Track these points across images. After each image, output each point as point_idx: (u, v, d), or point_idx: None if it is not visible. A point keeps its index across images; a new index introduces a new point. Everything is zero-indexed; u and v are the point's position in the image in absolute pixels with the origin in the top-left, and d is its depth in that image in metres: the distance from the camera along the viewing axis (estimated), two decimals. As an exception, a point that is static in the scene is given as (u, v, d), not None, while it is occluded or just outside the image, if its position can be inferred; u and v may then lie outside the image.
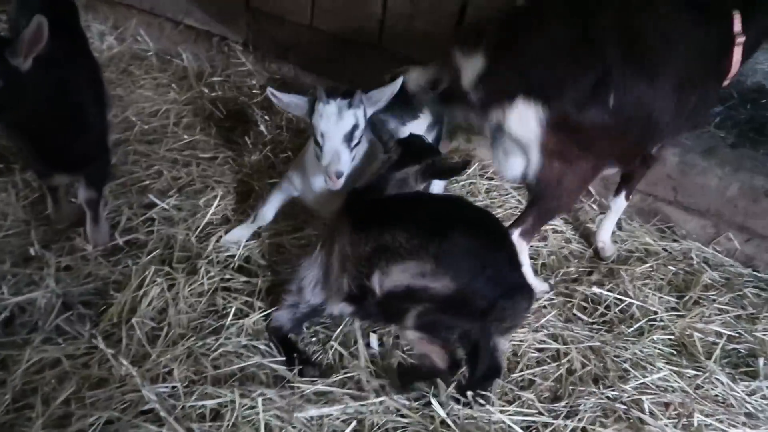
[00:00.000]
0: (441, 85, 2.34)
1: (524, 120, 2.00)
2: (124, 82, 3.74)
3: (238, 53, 3.94)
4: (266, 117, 3.51)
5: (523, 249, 2.40)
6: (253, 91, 3.75)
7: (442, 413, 1.88)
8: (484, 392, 1.95)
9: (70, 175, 2.42)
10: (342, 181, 2.06)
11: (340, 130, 2.04)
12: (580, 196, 2.77)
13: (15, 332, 2.09)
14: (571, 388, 2.15)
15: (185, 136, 3.25)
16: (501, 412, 1.97)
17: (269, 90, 2.11)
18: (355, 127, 2.07)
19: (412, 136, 2.18)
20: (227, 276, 2.40)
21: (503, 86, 2.00)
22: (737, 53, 2.26)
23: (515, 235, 2.34)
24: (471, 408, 1.92)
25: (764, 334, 2.49)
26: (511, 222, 2.44)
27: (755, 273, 2.85)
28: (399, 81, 2.20)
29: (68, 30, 2.55)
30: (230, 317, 2.19)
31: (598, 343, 2.34)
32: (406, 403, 1.95)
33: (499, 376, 2.00)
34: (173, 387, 1.90)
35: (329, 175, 2.04)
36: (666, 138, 2.48)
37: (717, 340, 2.45)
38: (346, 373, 2.03)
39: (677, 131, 2.51)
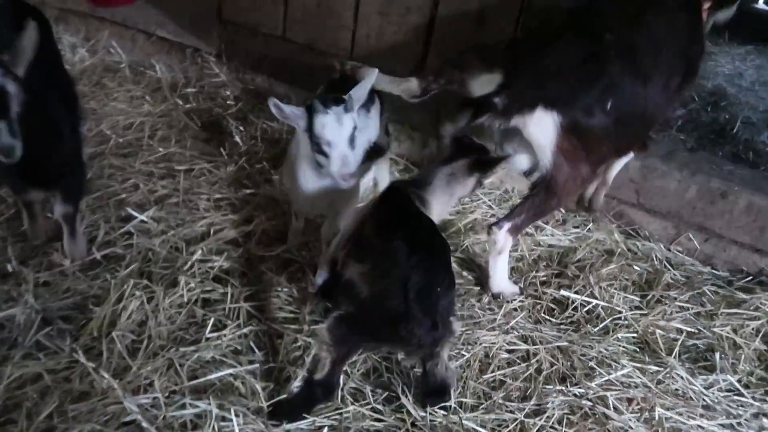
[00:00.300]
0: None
1: (543, 126, 2.28)
2: (97, 95, 3.75)
3: (212, 64, 3.98)
4: (241, 128, 3.57)
5: (506, 246, 2.56)
6: (228, 102, 3.80)
7: (416, 414, 1.97)
8: (440, 404, 2.05)
9: (45, 191, 2.45)
10: (353, 180, 2.17)
11: (343, 136, 2.11)
12: (576, 196, 3.01)
13: (-5, 349, 2.12)
14: (539, 387, 2.24)
15: (160, 149, 3.28)
16: (471, 410, 2.07)
17: (272, 101, 2.14)
18: (355, 128, 2.15)
19: (461, 135, 2.28)
20: (207, 288, 2.45)
21: (525, 97, 2.26)
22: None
23: (503, 231, 2.50)
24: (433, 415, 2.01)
25: (722, 330, 2.63)
26: (501, 217, 2.59)
27: (714, 271, 2.99)
28: (374, 75, 2.31)
29: (41, 44, 2.58)
30: (209, 328, 2.24)
31: (566, 343, 2.44)
32: (380, 407, 2.03)
33: (446, 393, 2.06)
34: (154, 398, 1.95)
35: (341, 178, 2.13)
36: (660, 122, 2.85)
37: (677, 337, 2.57)
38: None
39: (667, 113, 2.91)
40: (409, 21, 3.25)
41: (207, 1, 3.82)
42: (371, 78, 2.28)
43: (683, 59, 2.59)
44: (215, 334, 2.23)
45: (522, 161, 2.52)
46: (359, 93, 2.21)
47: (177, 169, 3.15)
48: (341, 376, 2.01)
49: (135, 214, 2.76)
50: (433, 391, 2.04)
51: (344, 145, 2.11)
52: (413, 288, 1.80)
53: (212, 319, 2.28)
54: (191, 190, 3.01)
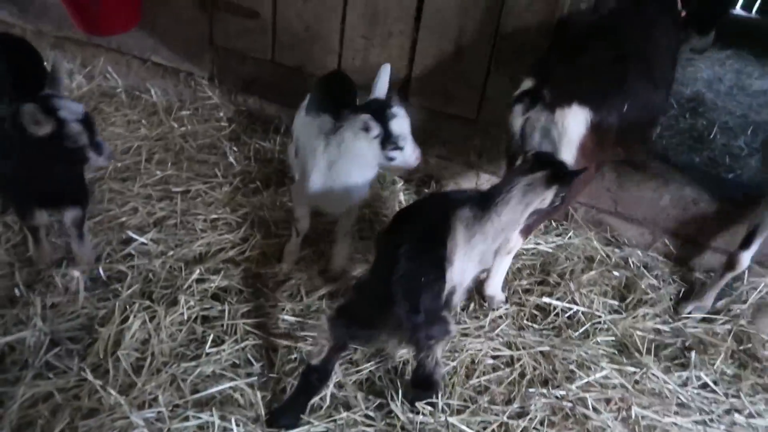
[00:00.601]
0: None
1: (577, 121, 2.46)
2: (95, 120, 3.87)
3: (205, 87, 4.11)
4: (234, 148, 3.70)
5: (517, 246, 2.74)
6: (221, 123, 3.93)
7: (404, 418, 2.10)
8: (425, 398, 2.19)
9: (53, 210, 2.58)
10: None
11: (409, 127, 2.41)
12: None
13: (7, 370, 2.23)
14: (522, 390, 2.38)
15: (158, 172, 3.40)
16: (457, 413, 2.20)
17: (367, 118, 2.32)
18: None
19: (541, 152, 2.41)
20: (206, 305, 2.58)
21: (564, 92, 2.47)
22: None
23: (515, 231, 2.62)
24: (419, 414, 2.15)
25: (695, 329, 2.77)
26: None
27: (689, 274, 3.14)
28: (387, 68, 2.55)
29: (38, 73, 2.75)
30: (209, 344, 2.37)
31: (548, 348, 2.58)
32: (371, 413, 2.16)
33: (433, 388, 2.21)
34: (159, 412, 2.08)
35: (417, 160, 2.45)
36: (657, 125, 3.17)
37: (654, 338, 2.72)
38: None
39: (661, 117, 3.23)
40: (392, 44, 3.39)
41: (198, 28, 3.95)
42: (386, 71, 2.53)
43: (674, 69, 2.93)
44: (215, 349, 2.37)
45: None
46: (382, 88, 2.49)
47: (174, 191, 3.27)
48: (334, 373, 2.18)
49: (135, 236, 2.89)
50: (420, 383, 2.18)
51: (409, 132, 2.41)
52: (398, 272, 1.96)
53: (211, 335, 2.42)
54: (188, 211, 3.14)
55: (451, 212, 2.13)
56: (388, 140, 2.37)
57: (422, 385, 2.19)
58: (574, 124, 2.46)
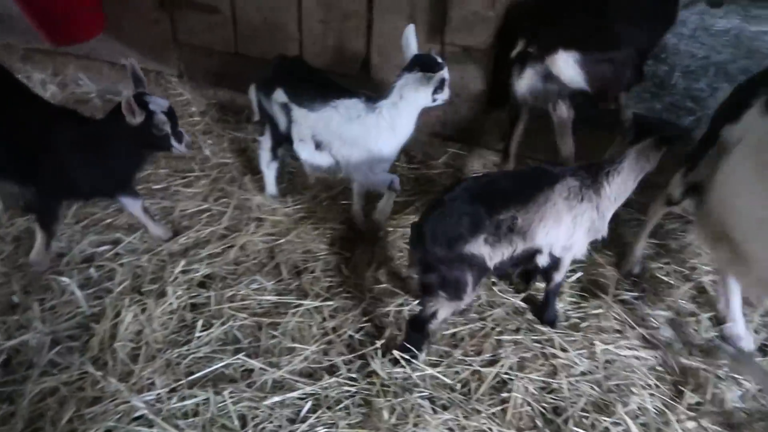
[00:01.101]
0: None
1: (567, 64, 2.85)
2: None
3: (175, 84, 4.22)
4: (209, 141, 3.83)
5: None
6: (194, 118, 4.05)
7: (384, 374, 2.29)
8: (409, 348, 2.38)
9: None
10: None
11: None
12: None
13: (14, 371, 2.41)
14: (495, 339, 2.56)
15: (137, 172, 3.53)
16: (433, 366, 2.39)
17: (435, 74, 2.71)
18: None
19: (638, 115, 2.70)
20: (193, 293, 2.75)
21: (548, 44, 2.87)
22: None
23: None
24: (403, 367, 2.33)
25: (655, 269, 2.95)
26: None
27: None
28: (411, 28, 2.81)
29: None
30: (198, 329, 2.54)
31: (520, 302, 2.76)
32: (354, 375, 2.35)
33: (421, 333, 2.39)
34: (157, 394, 2.26)
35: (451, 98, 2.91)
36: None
37: (617, 276, 2.89)
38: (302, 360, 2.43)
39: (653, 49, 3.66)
40: (348, 26, 3.50)
41: (162, 27, 4.05)
42: (411, 30, 2.80)
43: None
44: (204, 333, 2.54)
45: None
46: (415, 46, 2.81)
47: (154, 188, 3.42)
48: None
49: (122, 236, 3.05)
50: (413, 323, 2.39)
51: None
52: (432, 212, 2.27)
53: (201, 321, 2.59)
54: (170, 206, 3.29)
55: (543, 184, 2.35)
56: (441, 86, 2.77)
57: (413, 326, 2.39)
58: (565, 68, 2.82)
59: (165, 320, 2.59)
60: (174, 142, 2.72)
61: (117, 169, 2.84)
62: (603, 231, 2.53)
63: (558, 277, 2.55)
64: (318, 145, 2.96)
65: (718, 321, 2.68)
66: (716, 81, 4.90)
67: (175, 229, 3.12)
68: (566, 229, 2.40)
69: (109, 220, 3.20)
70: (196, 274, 2.82)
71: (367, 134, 2.83)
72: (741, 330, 2.57)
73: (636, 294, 2.82)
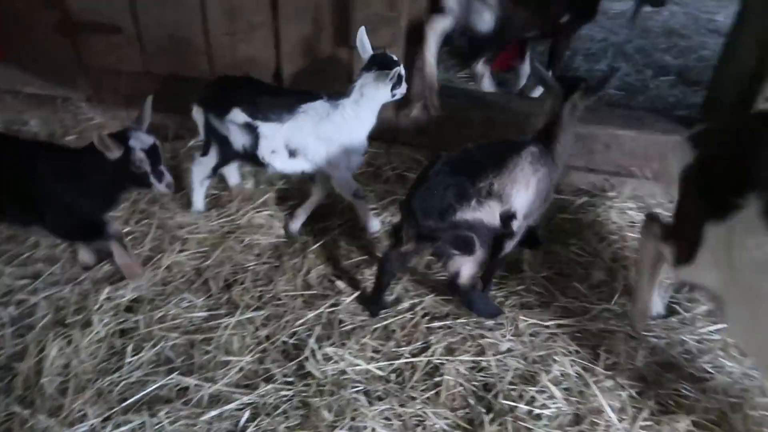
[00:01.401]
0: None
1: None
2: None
3: (84, 109, 4.11)
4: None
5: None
6: (110, 142, 3.95)
7: (318, 374, 2.34)
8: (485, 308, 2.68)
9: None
10: None
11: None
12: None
13: (-66, 422, 2.31)
14: (417, 328, 2.65)
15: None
16: (369, 362, 2.46)
17: (397, 71, 2.88)
18: None
19: (560, 76, 2.74)
20: (121, 319, 2.71)
21: None
22: None
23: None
24: (338, 363, 2.39)
25: (572, 248, 3.12)
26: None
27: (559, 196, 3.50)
28: (362, 31, 2.94)
29: None
30: (129, 354, 2.51)
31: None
32: (290, 379, 2.39)
33: (458, 292, 2.61)
34: (90, 425, 2.23)
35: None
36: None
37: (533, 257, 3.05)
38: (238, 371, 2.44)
39: None
40: (256, 36, 3.52)
41: (65, 52, 3.93)
42: (363, 32, 2.93)
43: None
44: (135, 357, 2.51)
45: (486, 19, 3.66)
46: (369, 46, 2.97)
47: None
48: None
49: (43, 268, 2.96)
50: (449, 285, 2.61)
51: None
52: (419, 188, 2.43)
53: (131, 345, 2.55)
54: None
55: (511, 152, 2.51)
56: (399, 82, 2.95)
57: (453, 290, 2.60)
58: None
59: (93, 349, 2.54)
60: (153, 180, 2.71)
61: (95, 200, 2.81)
62: (549, 199, 2.73)
63: (509, 245, 2.67)
64: (292, 153, 3.02)
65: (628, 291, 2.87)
66: (615, 61, 5.20)
67: (98, 256, 3.06)
68: (532, 193, 2.55)
69: (28, 254, 3.09)
70: (123, 299, 2.77)
71: (338, 130, 2.97)
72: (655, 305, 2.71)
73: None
